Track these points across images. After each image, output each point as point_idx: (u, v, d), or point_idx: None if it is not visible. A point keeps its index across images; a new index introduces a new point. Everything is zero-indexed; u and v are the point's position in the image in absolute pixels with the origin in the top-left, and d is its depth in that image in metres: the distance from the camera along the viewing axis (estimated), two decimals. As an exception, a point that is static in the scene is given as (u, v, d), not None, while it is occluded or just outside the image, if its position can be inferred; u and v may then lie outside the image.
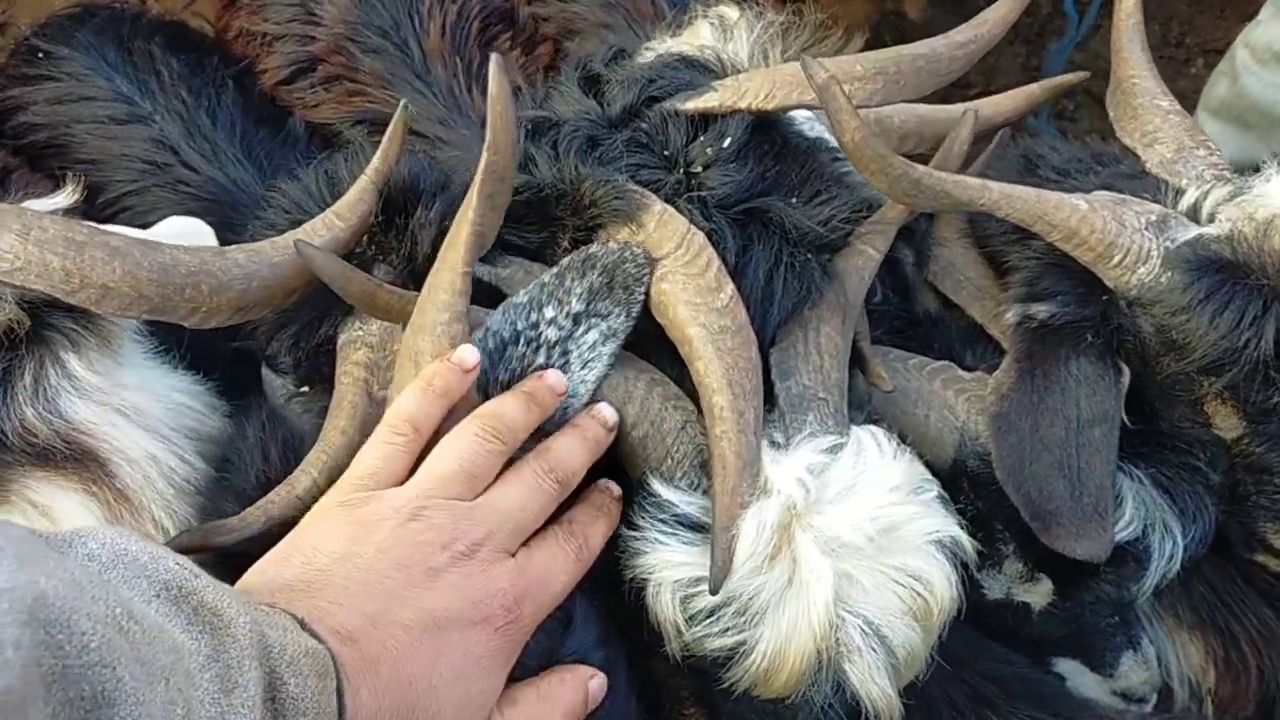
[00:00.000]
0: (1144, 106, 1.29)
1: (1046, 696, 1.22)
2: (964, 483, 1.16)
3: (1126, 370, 1.18)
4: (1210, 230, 1.16)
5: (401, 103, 1.19)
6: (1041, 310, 1.21)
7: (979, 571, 1.20)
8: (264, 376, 1.19)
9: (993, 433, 1.15)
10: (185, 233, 1.22)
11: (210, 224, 1.30)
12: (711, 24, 1.37)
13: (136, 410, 1.03)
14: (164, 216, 1.31)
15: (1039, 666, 1.29)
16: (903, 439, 1.11)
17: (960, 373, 1.20)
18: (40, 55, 1.79)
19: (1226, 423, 1.21)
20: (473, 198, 0.99)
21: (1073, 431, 1.14)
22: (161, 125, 1.71)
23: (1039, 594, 1.23)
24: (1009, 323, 1.24)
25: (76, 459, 0.98)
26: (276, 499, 0.99)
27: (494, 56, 0.97)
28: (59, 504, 0.97)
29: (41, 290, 0.90)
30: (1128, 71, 1.30)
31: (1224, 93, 2.18)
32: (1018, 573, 1.20)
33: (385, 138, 1.15)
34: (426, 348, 0.99)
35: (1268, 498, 1.24)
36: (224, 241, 1.19)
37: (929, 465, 1.13)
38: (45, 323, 1.00)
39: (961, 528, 1.07)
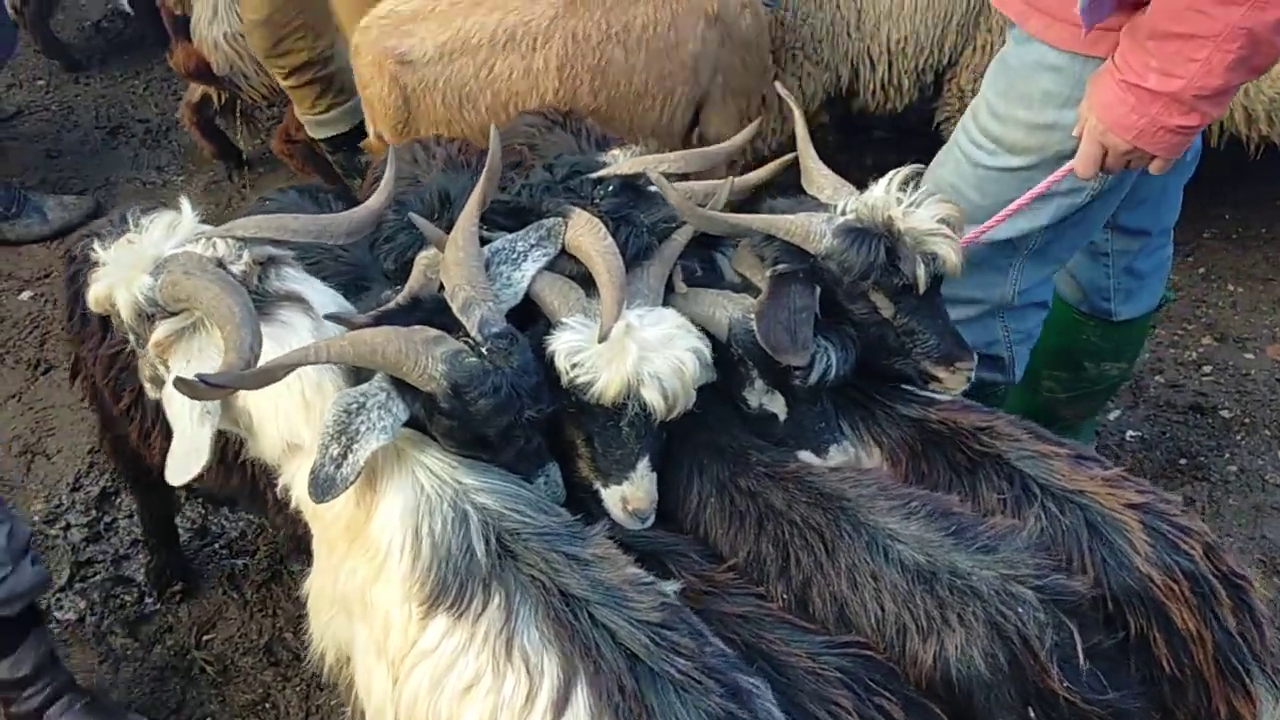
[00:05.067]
0: (815, 177, 2.51)
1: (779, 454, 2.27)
2: (732, 343, 2.26)
3: (818, 288, 2.31)
4: (849, 217, 2.33)
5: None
6: (781, 267, 2.35)
7: (743, 391, 2.29)
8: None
9: (757, 316, 2.22)
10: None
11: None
12: (613, 153, 2.65)
13: (314, 289, 2.19)
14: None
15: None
16: (698, 324, 2.24)
17: (734, 294, 2.34)
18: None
19: (884, 305, 2.34)
20: (480, 184, 2.22)
21: (793, 312, 2.24)
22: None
23: (779, 405, 2.30)
24: (767, 276, 2.36)
25: (295, 301, 2.13)
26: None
27: (492, 127, 2.22)
28: (294, 321, 2.10)
29: (269, 237, 2.13)
30: (807, 164, 2.53)
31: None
32: (762, 388, 2.29)
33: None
34: (453, 265, 2.16)
35: (921, 346, 2.37)
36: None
37: (711, 336, 2.25)
38: (272, 258, 2.16)
39: (712, 354, 2.18)
